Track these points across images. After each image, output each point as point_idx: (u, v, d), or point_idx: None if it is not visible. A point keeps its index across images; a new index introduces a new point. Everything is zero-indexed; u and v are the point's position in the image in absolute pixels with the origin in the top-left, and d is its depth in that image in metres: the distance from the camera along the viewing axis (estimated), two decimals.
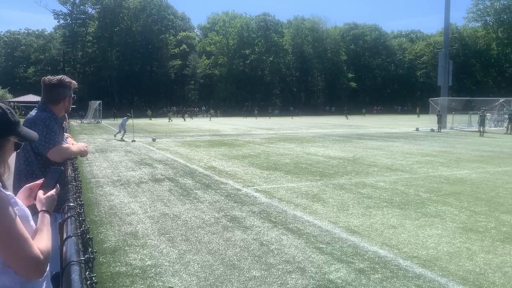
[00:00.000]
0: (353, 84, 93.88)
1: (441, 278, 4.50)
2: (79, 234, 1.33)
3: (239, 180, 10.39)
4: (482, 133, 24.94)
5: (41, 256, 1.32)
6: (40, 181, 1.75)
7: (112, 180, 10.59)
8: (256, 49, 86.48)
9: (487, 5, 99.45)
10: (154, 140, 22.20)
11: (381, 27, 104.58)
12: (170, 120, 48.37)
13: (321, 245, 5.54)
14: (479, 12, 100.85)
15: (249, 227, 6.42)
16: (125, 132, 23.62)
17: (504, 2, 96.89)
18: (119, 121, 29.92)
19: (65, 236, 1.34)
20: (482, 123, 26.36)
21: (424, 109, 51.57)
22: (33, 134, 1.70)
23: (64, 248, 1.28)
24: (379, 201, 8.13)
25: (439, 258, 5.07)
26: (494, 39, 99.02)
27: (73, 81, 3.26)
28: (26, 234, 1.32)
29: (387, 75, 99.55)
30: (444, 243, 5.63)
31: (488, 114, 32.25)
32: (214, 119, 55.49)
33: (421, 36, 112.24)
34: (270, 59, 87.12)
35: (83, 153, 3.26)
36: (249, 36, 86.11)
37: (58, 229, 1.44)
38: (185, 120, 52.18)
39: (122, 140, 22.39)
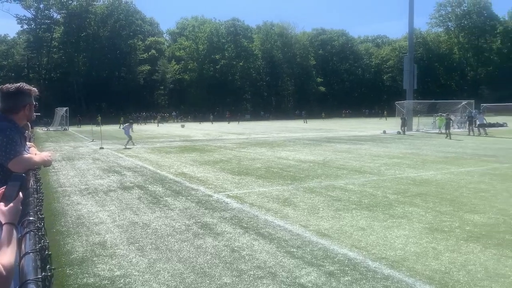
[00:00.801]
0: (322, 89, 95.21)
1: (408, 278, 4.60)
2: (37, 250, 1.29)
3: (210, 186, 10.34)
4: (448, 135, 25.59)
5: (3, 272, 1.26)
6: (0, 191, 1.67)
7: (80, 189, 10.33)
8: (226, 54, 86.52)
9: (448, 11, 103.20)
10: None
11: (348, 32, 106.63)
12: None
13: (292, 249, 5.58)
14: (441, 18, 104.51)
15: (220, 233, 6.39)
16: (131, 138, 22.87)
17: (465, 8, 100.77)
18: (84, 128, 29.24)
19: (23, 252, 1.30)
20: (447, 126, 27.14)
21: (391, 112, 52.83)
22: None
23: (22, 265, 1.24)
24: (348, 203, 8.26)
25: (407, 259, 5.19)
26: (456, 44, 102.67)
27: (33, 88, 3.16)
28: None
29: (355, 79, 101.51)
30: (411, 244, 5.77)
31: (452, 116, 33.31)
32: (187, 124, 55.10)
33: (386, 41, 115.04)
34: (240, 64, 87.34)
35: (46, 163, 3.17)
36: (218, 41, 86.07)
37: (17, 244, 1.38)
38: (158, 126, 51.65)
39: (126, 147, 21.64)
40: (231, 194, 9.33)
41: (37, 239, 1.36)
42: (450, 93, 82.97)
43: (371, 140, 24.50)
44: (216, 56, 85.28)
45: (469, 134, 28.40)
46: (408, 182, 10.52)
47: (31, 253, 1.25)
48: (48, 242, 1.42)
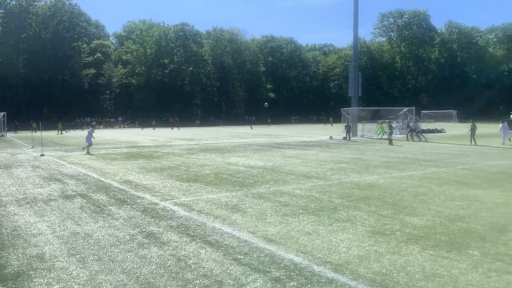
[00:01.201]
0: (272, 95, 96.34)
1: (351, 281, 4.73)
2: None
3: (157, 194, 10.12)
4: (391, 142, 26.45)
5: None
6: None
7: (17, 198, 9.77)
8: (175, 59, 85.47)
9: (391, 22, 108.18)
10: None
11: (296, 40, 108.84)
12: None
13: (239, 256, 5.57)
14: (384, 28, 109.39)
15: (166, 242, 6.26)
16: (90, 144, 21.99)
17: (405, 19, 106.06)
18: (21, 134, 27.72)
19: None
20: (390, 132, 28.22)
21: (338, 118, 54.42)
22: None
23: None
24: (295, 208, 8.38)
25: (350, 262, 5.33)
26: (398, 53, 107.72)
27: None
28: None
29: (303, 86, 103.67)
30: (354, 247, 5.94)
31: (394, 122, 34.80)
32: (132, 130, 53.64)
33: (333, 49, 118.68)
34: (190, 69, 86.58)
35: None
36: (167, 46, 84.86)
37: None
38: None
39: (89, 153, 20.92)
40: (178, 202, 9.19)
41: None
42: (393, 100, 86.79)
43: (319, 146, 25.07)
44: (165, 61, 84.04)
45: (407, 140, 29.72)
46: (353, 187, 10.85)
47: None
48: None
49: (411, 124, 32.64)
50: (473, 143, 24.47)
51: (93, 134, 22.59)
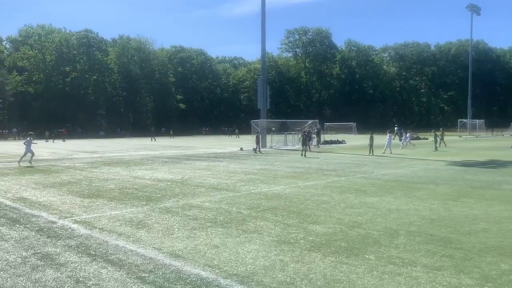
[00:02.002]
0: (182, 106, 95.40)
1: None
2: None
3: (54, 212, 9.40)
4: (304, 152, 26.96)
5: None
6: None
7: None
8: (78, 67, 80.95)
9: (296, 38, 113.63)
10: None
11: (206, 51, 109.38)
12: None
13: (143, 274, 5.36)
14: (290, 44, 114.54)
15: (63, 264, 5.82)
16: (33, 154, 20.79)
17: (310, 36, 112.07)
18: None
19: None
20: (304, 142, 28.93)
21: (248, 130, 55.40)
22: None
23: None
24: (204, 221, 8.32)
25: (256, 273, 5.40)
26: (303, 68, 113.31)
27: None
28: None
29: (214, 97, 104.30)
30: (261, 258, 6.04)
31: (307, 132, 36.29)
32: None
33: (243, 62, 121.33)
34: (94, 77, 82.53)
35: None
36: (69, 53, 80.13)
37: None
38: None
39: (30, 163, 19.70)
40: (78, 219, 8.62)
41: None
42: (299, 113, 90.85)
43: (229, 157, 25.26)
44: (67, 68, 79.21)
45: (309, 150, 31.07)
46: (261, 197, 11.08)
47: None
48: None
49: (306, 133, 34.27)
50: (371, 153, 26.41)
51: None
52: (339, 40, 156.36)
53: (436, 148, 30.71)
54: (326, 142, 34.83)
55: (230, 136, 68.48)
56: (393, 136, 29.29)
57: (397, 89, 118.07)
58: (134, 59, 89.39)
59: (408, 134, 34.92)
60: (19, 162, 20.82)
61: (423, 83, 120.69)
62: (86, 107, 79.64)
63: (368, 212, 9.16)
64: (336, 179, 14.98)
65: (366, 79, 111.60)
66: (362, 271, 5.44)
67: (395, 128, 55.72)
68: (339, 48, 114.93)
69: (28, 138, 21.76)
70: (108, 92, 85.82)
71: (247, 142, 41.14)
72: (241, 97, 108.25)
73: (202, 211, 9.30)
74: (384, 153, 26.84)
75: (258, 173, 16.95)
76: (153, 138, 56.15)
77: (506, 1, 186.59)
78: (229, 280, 5.16)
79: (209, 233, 7.44)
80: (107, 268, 5.60)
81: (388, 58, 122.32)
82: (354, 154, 27.45)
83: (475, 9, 75.23)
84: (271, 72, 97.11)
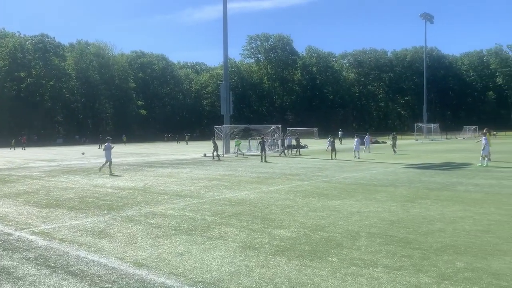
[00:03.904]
0: (143, 112, 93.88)
1: None
2: None
3: (10, 223, 9.02)
4: (264, 158, 27.11)
5: None
6: None
7: None
8: (34, 72, 78.15)
9: (258, 44, 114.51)
10: None
11: (167, 57, 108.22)
12: None
13: (106, 285, 5.24)
14: (252, 50, 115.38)
15: (21, 277, 5.60)
16: (111, 162, 19.81)
17: (271, 43, 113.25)
18: None
19: None
20: (262, 148, 29.21)
21: (203, 136, 55.15)
22: None
23: None
24: (168, 229, 8.23)
25: (222, 279, 5.41)
26: (265, 74, 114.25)
27: None
28: None
29: (176, 103, 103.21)
30: (226, 264, 6.04)
31: (265, 138, 36.59)
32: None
33: (205, 68, 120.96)
34: (51, 83, 79.90)
35: None
36: (24, 58, 77.23)
37: None
38: None
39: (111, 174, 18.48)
40: (36, 231, 8.31)
41: None
42: (262, 118, 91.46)
43: (193, 164, 25.07)
44: (21, 74, 76.26)
45: (280, 156, 31.52)
46: (225, 203, 11.07)
47: None
48: None
49: (285, 141, 34.78)
50: (333, 157, 26.93)
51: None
52: (300, 47, 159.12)
53: (394, 151, 31.73)
54: (290, 147, 35.30)
55: (178, 142, 66.94)
56: (338, 141, 30.15)
57: (356, 94, 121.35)
58: (93, 65, 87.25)
59: (367, 138, 35.90)
60: (100, 169, 20.33)
61: (381, 89, 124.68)
62: (42, 114, 76.84)
63: (331, 215, 9.35)
64: (299, 183, 15.19)
65: (327, 84, 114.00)
66: (325, 274, 5.56)
67: (339, 132, 57.94)
68: (300, 55, 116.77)
69: (107, 144, 20.62)
70: (66, 98, 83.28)
71: (205, 148, 40.92)
72: (204, 103, 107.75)
73: (166, 219, 9.19)
74: (356, 157, 27.30)
75: (222, 179, 16.92)
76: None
77: (458, 10, 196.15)
78: (194, 287, 5.13)
79: (173, 241, 7.37)
80: (68, 280, 5.44)
81: (347, 64, 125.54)
82: (316, 159, 27.91)
83: (428, 18, 78.60)
84: (233, 77, 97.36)
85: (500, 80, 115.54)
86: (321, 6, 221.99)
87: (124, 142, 65.03)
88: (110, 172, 19.75)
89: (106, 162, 20.14)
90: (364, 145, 34.25)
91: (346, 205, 10.54)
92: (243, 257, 6.34)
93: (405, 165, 22.00)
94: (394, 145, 32.98)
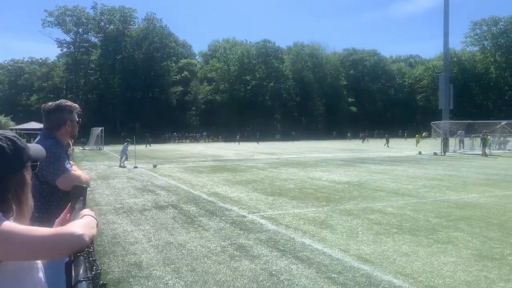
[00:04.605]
0: (353, 109, 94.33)
1: None
2: (90, 278, 1.18)
3: (243, 207, 10.19)
4: (485, 155, 24.67)
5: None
6: (66, 210, 1.76)
7: (115, 207, 10.40)
8: (257, 75, 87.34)
9: (484, 30, 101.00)
10: (155, 166, 21.99)
11: (379, 52, 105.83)
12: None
13: (333, 275, 5.33)
14: (476, 37, 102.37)
15: (256, 256, 6.21)
16: (127, 158, 23.62)
17: (501, 27, 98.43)
18: (116, 147, 29.85)
19: (73, 280, 1.19)
20: (484, 145, 26.22)
21: (412, 132, 51.52)
22: (40, 149, 1.61)
23: None
24: (388, 227, 7.92)
25: (457, 287, 4.85)
26: (492, 63, 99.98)
27: (74, 104, 3.13)
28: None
29: (387, 99, 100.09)
30: (460, 271, 5.41)
31: (489, 136, 32.20)
32: (217, 145, 55.28)
33: (419, 60, 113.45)
34: (271, 84, 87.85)
35: (88, 183, 3.12)
36: (249, 63, 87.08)
37: (65, 269, 1.29)
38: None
39: (123, 166, 22.30)
40: (265, 215, 9.15)
41: (87, 265, 1.26)
42: (487, 113, 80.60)
43: (407, 161, 23.84)
44: (247, 77, 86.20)
45: (482, 156, 27.24)
46: (450, 205, 10.05)
47: (83, 282, 1.14)
48: (101, 269, 1.31)
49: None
50: None
51: (128, 148, 23.97)
52: None
53: None
54: None
55: (363, 141, 61.40)
56: None
57: None
58: (307, 65, 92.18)
59: None
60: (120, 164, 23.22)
61: None
62: (263, 112, 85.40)
63: None
64: None
65: None
66: None
67: None
68: None
69: (125, 144, 24.24)
70: (283, 98, 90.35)
71: (425, 145, 38.24)
72: (417, 98, 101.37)
73: (385, 216, 8.88)
74: None
75: (443, 179, 15.50)
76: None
77: None
78: None
79: (396, 239, 7.03)
80: (297, 265, 5.75)
81: None
82: None
83: None
84: (453, 69, 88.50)
85: None
86: None
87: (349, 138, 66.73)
88: (121, 165, 22.44)
89: (122, 157, 23.33)
90: None
91: None
92: (481, 267, 5.56)
93: None
94: None
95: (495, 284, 4.96)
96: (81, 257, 1.29)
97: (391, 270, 5.47)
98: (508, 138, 34.99)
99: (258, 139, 62.46)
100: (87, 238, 1.34)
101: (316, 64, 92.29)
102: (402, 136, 72.87)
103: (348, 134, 73.17)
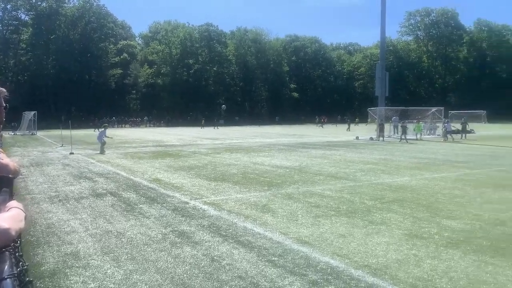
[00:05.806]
0: (295, 95, 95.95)
1: (392, 286, 4.56)
2: (16, 275, 1.12)
3: (186, 193, 10.11)
4: (405, 141, 26.54)
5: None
6: None
7: (49, 196, 9.92)
8: (200, 59, 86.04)
9: (418, 20, 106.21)
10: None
11: (320, 39, 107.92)
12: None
13: (273, 258, 5.46)
14: (411, 27, 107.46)
15: (198, 242, 6.21)
16: (104, 143, 21.78)
17: (433, 18, 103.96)
18: (53, 132, 28.09)
19: None
20: (404, 132, 28.50)
21: (362, 118, 53.65)
22: None
23: None
24: (326, 210, 8.22)
25: (389, 266, 5.15)
26: (425, 52, 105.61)
27: (0, 88, 2.91)
28: None
29: (327, 85, 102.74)
30: (392, 251, 5.74)
31: (421, 122, 34.19)
32: (160, 130, 54.13)
33: (358, 48, 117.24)
34: (214, 69, 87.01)
35: (17, 172, 2.94)
36: (192, 46, 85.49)
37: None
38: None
39: (102, 153, 20.59)
40: (208, 201, 9.15)
41: (13, 260, 1.19)
42: (420, 100, 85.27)
43: (345, 146, 24.73)
44: (190, 61, 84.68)
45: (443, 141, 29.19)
46: (384, 188, 10.60)
47: (8, 279, 1.08)
48: (27, 265, 1.25)
49: (445, 125, 32.16)
50: None
51: (106, 133, 22.15)
52: (467, 21, 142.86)
53: None
54: (452, 132, 32.12)
55: (317, 125, 63.17)
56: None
57: None
58: (250, 50, 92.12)
59: None
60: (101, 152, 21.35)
61: None
62: (207, 97, 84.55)
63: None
64: (467, 171, 13.71)
65: (499, 62, 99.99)
66: None
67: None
68: (467, 29, 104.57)
69: (102, 129, 22.87)
70: (227, 83, 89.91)
71: (362, 131, 39.85)
72: (356, 84, 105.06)
73: (324, 199, 9.20)
74: None
75: (378, 163, 16.27)
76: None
77: None
78: (360, 271, 4.99)
79: (334, 221, 7.32)
80: (238, 249, 5.83)
81: None
82: (486, 145, 24.85)
83: None
84: (389, 57, 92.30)
85: None
86: None
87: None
88: (101, 152, 20.60)
89: (102, 145, 21.40)
90: None
91: None
92: (411, 246, 5.95)
93: None
94: None
95: (423, 261, 5.32)
96: (7, 252, 1.22)
97: (328, 252, 5.70)
98: (437, 124, 37.28)
99: (203, 124, 61.69)
100: (13, 232, 1.27)
101: (259, 50, 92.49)
102: (343, 122, 75.14)
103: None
